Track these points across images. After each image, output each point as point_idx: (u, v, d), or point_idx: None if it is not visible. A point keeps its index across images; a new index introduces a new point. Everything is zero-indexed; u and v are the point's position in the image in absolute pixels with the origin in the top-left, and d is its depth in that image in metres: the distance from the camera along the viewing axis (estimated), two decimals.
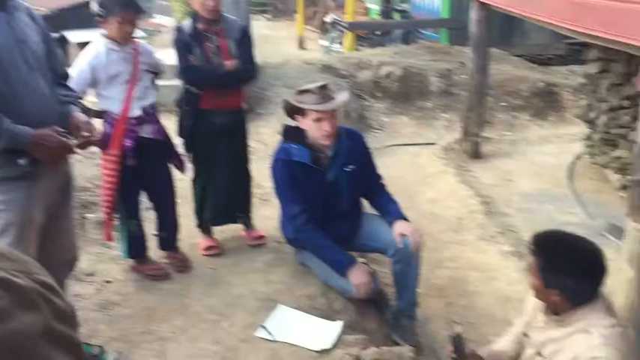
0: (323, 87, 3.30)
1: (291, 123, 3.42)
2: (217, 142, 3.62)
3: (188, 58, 3.49)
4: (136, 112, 3.23)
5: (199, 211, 3.81)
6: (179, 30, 3.59)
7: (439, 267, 4.46)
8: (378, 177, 3.59)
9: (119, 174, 3.23)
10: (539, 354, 2.18)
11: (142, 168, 3.30)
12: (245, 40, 3.64)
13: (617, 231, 4.44)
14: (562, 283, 2.04)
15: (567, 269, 2.04)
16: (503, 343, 2.43)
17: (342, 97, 3.39)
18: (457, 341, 2.11)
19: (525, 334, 2.33)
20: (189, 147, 3.72)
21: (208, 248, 3.76)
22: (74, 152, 2.50)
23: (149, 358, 2.82)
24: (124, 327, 3.02)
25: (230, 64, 3.52)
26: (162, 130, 3.41)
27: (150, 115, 3.30)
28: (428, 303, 4.02)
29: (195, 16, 3.53)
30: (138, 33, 3.63)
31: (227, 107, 3.63)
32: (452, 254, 4.61)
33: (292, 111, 3.34)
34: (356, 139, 3.48)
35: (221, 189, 3.72)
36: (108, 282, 3.40)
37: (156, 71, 3.43)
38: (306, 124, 3.27)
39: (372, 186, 3.54)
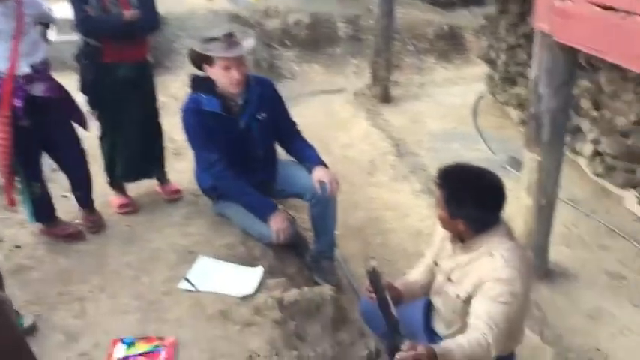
0: (228, 34, 3.25)
1: (200, 73, 3.37)
2: (123, 96, 3.50)
3: (84, 9, 3.32)
4: (24, 69, 3.03)
5: (110, 169, 3.70)
6: None
7: (355, 209, 4.60)
8: (292, 123, 3.61)
9: (12, 136, 3.05)
10: (448, 279, 2.33)
11: (40, 128, 3.15)
12: None
13: (517, 163, 4.73)
14: (466, 213, 2.18)
15: (470, 200, 2.17)
16: (416, 274, 2.57)
17: (248, 43, 3.35)
18: (373, 275, 2.19)
19: (436, 263, 2.48)
20: (93, 103, 3.57)
21: (122, 206, 3.68)
22: None
23: (68, 318, 2.78)
24: (39, 290, 2.94)
25: (129, 13, 3.38)
26: (56, 87, 3.23)
27: (40, 72, 3.11)
28: (346, 244, 4.16)
29: None
30: None
31: (130, 59, 3.49)
32: (367, 196, 4.76)
33: (199, 60, 3.28)
34: (266, 86, 3.47)
35: (131, 144, 3.62)
36: (17, 247, 3.27)
37: (45, 22, 3.24)
38: (214, 72, 3.23)
39: (286, 132, 3.55)
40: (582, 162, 5.12)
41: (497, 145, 5.65)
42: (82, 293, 2.96)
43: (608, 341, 3.30)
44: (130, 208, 3.69)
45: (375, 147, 5.41)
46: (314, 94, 7.13)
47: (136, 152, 3.65)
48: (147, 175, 3.82)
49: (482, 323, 2.07)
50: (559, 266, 3.89)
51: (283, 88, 7.12)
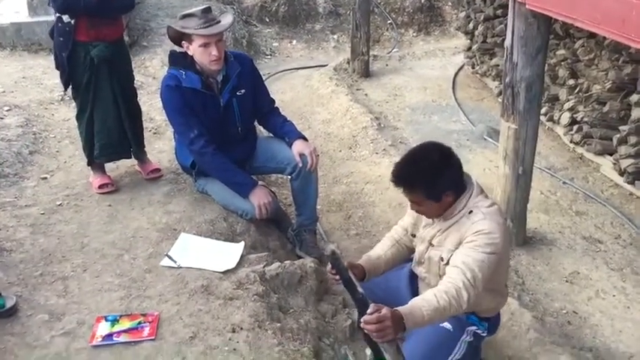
0: (206, 10, 3.23)
1: (179, 49, 3.35)
2: (97, 75, 3.47)
3: None
4: None
5: (87, 148, 3.68)
6: None
7: (337, 183, 4.64)
8: (271, 100, 3.60)
9: None
10: (430, 244, 2.37)
11: None
12: None
13: (497, 134, 4.75)
14: (445, 183, 2.21)
15: (438, 173, 2.21)
16: (379, 250, 2.60)
17: (226, 19, 3.33)
18: (333, 259, 2.23)
19: (413, 235, 2.51)
20: (66, 80, 3.54)
21: (102, 186, 3.67)
22: None
23: (52, 298, 2.78)
24: (20, 271, 2.94)
25: None
26: None
27: None
28: (328, 218, 4.20)
29: None
30: None
31: (104, 39, 3.45)
32: (348, 170, 4.78)
33: (178, 37, 3.26)
34: (245, 63, 3.45)
35: (108, 123, 3.59)
36: None
37: None
38: (193, 50, 3.21)
39: (265, 109, 3.55)
40: (560, 131, 5.18)
41: (476, 116, 5.69)
42: (64, 273, 2.96)
43: (585, 304, 3.38)
44: (110, 187, 3.68)
45: (356, 121, 5.43)
46: (294, 70, 7.11)
47: (113, 131, 3.61)
48: (125, 155, 3.79)
49: (454, 270, 2.11)
50: (538, 233, 3.96)
51: (263, 65, 7.17)
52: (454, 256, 2.20)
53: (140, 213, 3.46)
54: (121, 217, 3.41)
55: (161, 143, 4.34)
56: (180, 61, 3.29)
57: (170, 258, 3.05)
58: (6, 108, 4.80)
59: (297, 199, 3.53)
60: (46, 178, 3.87)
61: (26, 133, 4.42)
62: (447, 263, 2.24)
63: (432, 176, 2.21)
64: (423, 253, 2.41)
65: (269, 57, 7.56)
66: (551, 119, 5.28)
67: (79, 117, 3.65)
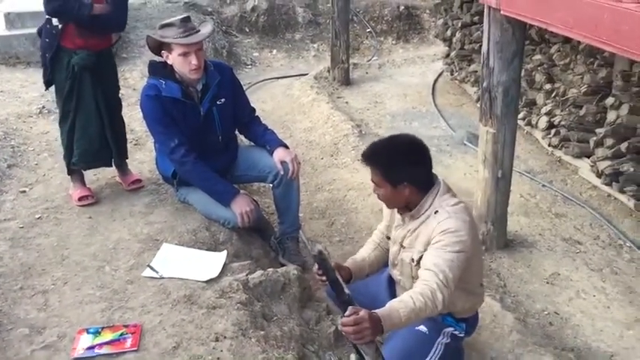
0: (185, 19, 3.24)
1: (158, 59, 3.35)
2: (79, 83, 3.47)
3: None
4: None
5: (68, 156, 3.64)
6: None
7: (319, 191, 4.65)
8: (251, 109, 3.61)
9: None
10: (401, 246, 2.40)
11: None
12: None
13: (477, 139, 4.79)
14: (404, 173, 2.27)
15: (403, 159, 2.28)
16: (363, 252, 2.65)
17: (206, 29, 3.34)
18: (320, 258, 2.23)
19: (388, 237, 2.54)
20: (47, 80, 3.55)
21: (82, 198, 3.64)
22: None
23: (32, 312, 2.75)
24: None
25: (99, 7, 3.35)
26: None
27: None
28: (311, 225, 4.20)
29: None
30: None
31: (89, 48, 3.44)
32: (330, 177, 4.80)
33: (157, 47, 3.26)
34: (225, 72, 3.46)
35: (90, 130, 3.56)
36: None
37: None
38: (172, 59, 3.21)
39: (245, 118, 3.56)
40: (538, 135, 5.25)
41: (456, 122, 5.75)
42: (44, 286, 2.93)
43: (566, 305, 3.42)
44: (90, 199, 3.64)
45: (337, 129, 5.45)
46: (275, 79, 7.13)
47: (94, 139, 3.59)
48: (104, 163, 3.76)
49: (427, 272, 2.14)
50: (518, 235, 4.00)
51: (244, 75, 7.17)
52: (424, 257, 2.22)
53: (121, 224, 3.43)
54: (102, 229, 3.39)
55: (142, 154, 4.32)
56: (159, 70, 3.29)
57: (152, 269, 3.03)
58: None
59: (279, 207, 3.54)
60: (25, 191, 3.83)
61: (4, 147, 4.38)
62: (418, 264, 2.27)
63: (394, 160, 2.27)
64: (396, 254, 2.45)
65: (249, 67, 7.57)
66: (529, 123, 5.35)
67: (61, 123, 3.64)
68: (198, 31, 3.25)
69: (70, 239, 3.31)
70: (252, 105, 3.65)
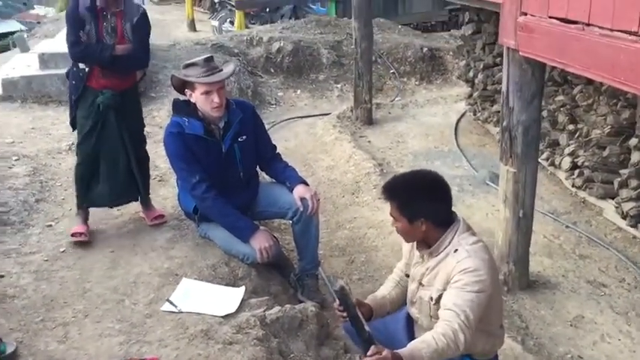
0: (208, 59, 3.34)
1: (182, 97, 3.44)
2: (104, 121, 3.55)
3: (77, 34, 3.40)
4: None
5: (82, 190, 3.70)
6: (75, 2, 3.43)
7: (339, 229, 4.65)
8: (272, 146, 3.67)
9: None
10: (420, 284, 2.38)
11: None
12: (142, 25, 3.55)
13: (499, 179, 4.79)
14: (421, 209, 2.26)
15: (421, 195, 2.28)
16: (384, 290, 2.63)
17: (228, 68, 3.44)
18: (341, 294, 2.23)
19: (407, 275, 2.53)
20: (72, 121, 3.66)
21: (75, 234, 3.63)
22: None
23: (52, 344, 2.79)
24: (21, 318, 2.95)
25: (121, 48, 3.46)
26: None
27: None
28: (330, 263, 4.20)
29: None
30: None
31: (114, 88, 3.54)
32: (350, 216, 4.81)
33: (181, 86, 3.36)
34: (247, 109, 3.53)
35: (117, 168, 3.64)
36: (1, 276, 3.28)
37: None
38: (195, 97, 3.30)
39: (267, 155, 3.61)
40: (562, 175, 5.21)
41: (478, 162, 5.73)
42: (65, 319, 2.97)
43: (590, 349, 3.34)
44: (83, 237, 3.62)
45: (358, 168, 5.48)
46: (298, 119, 7.23)
47: (121, 176, 3.65)
48: (132, 198, 3.83)
49: (448, 313, 2.11)
50: (541, 277, 3.94)
51: (268, 114, 7.29)
52: (444, 297, 2.20)
53: (143, 258, 3.48)
54: (124, 263, 3.44)
55: (165, 190, 4.40)
56: (183, 108, 3.38)
57: (171, 303, 3.05)
58: (14, 158, 4.90)
59: (299, 244, 3.55)
60: (51, 225, 3.92)
61: (33, 182, 4.50)
62: (437, 303, 2.25)
63: (412, 195, 2.28)
64: (414, 292, 2.43)
65: (274, 106, 7.69)
66: (552, 164, 5.32)
67: (78, 160, 3.72)
68: (221, 70, 3.35)
69: (92, 272, 3.36)
70: (273, 143, 3.71)
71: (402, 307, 2.64)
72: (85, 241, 3.63)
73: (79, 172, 3.70)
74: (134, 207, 4.03)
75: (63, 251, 3.58)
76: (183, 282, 3.23)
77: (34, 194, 4.30)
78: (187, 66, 3.33)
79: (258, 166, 3.67)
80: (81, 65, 3.52)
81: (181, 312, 2.98)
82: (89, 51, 3.44)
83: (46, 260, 3.49)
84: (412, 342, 2.09)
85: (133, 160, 3.70)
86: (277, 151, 3.70)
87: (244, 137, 3.44)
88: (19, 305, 3.06)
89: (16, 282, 3.26)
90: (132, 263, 3.44)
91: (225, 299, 3.09)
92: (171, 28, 12.66)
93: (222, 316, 2.94)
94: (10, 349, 2.69)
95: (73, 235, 3.65)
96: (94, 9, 3.41)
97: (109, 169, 3.65)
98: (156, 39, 9.34)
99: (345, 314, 2.25)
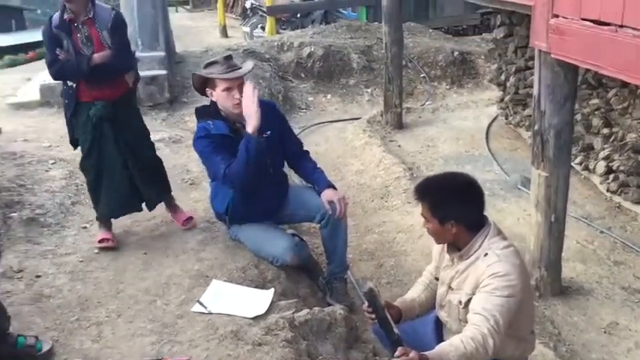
0: (228, 57, 3.40)
1: (203, 102, 3.48)
2: (101, 133, 3.54)
3: (54, 53, 3.38)
4: None
5: (94, 204, 3.74)
6: (49, 22, 3.46)
7: (368, 233, 4.65)
8: (299, 142, 3.70)
9: None
10: (450, 288, 2.37)
11: None
12: (118, 28, 3.49)
13: (530, 183, 4.74)
14: (453, 212, 2.25)
15: (452, 198, 2.27)
16: (413, 293, 2.62)
17: (247, 66, 3.48)
18: (370, 296, 2.24)
19: (437, 278, 2.52)
20: (72, 140, 3.67)
21: (102, 240, 3.66)
22: None
23: (86, 342, 2.86)
24: (57, 317, 3.03)
25: (98, 56, 3.41)
26: None
27: None
28: (359, 267, 4.21)
29: (64, 6, 3.39)
30: None
31: (106, 98, 3.50)
32: (380, 220, 4.80)
33: (202, 85, 3.40)
34: (269, 107, 3.53)
35: (115, 179, 3.63)
36: (38, 276, 3.37)
37: None
38: (217, 95, 3.33)
39: (293, 151, 3.62)
40: (596, 180, 5.11)
41: (510, 166, 5.67)
42: (99, 318, 3.04)
43: (624, 356, 3.27)
44: (110, 243, 3.66)
45: (388, 172, 5.47)
46: (328, 123, 7.25)
47: (121, 187, 3.65)
48: (133, 209, 3.81)
49: (477, 317, 2.10)
50: (574, 282, 3.87)
51: (298, 119, 7.34)
52: (473, 301, 2.19)
53: (174, 260, 3.54)
54: (156, 265, 3.50)
55: (197, 193, 4.46)
56: (205, 113, 3.42)
57: (201, 304, 3.10)
58: (51, 161, 5.02)
59: (327, 247, 3.57)
60: (86, 227, 4.01)
61: (69, 185, 4.60)
62: (466, 307, 2.24)
63: (444, 197, 2.27)
64: (443, 295, 2.42)
65: (304, 111, 7.74)
66: (586, 168, 5.23)
67: (85, 176, 3.73)
68: (240, 67, 3.39)
69: (125, 274, 3.43)
70: (305, 148, 3.72)
71: (431, 311, 2.63)
72: (113, 247, 3.65)
73: (90, 187, 3.72)
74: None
75: (97, 252, 3.66)
76: (214, 284, 3.27)
77: (70, 197, 4.40)
78: (208, 65, 3.38)
79: (286, 164, 3.68)
80: (69, 82, 3.50)
81: (211, 313, 3.02)
82: (66, 67, 3.42)
83: (81, 261, 3.57)
84: (440, 344, 2.08)
85: (134, 171, 3.66)
86: (305, 149, 3.71)
87: (268, 133, 3.45)
88: (54, 305, 3.14)
89: (52, 282, 3.34)
90: (164, 265, 3.50)
91: (254, 301, 3.12)
92: (204, 35, 12.86)
93: (251, 318, 2.97)
94: (46, 348, 2.76)
95: (100, 241, 3.66)
96: (65, 23, 3.39)
97: (110, 181, 3.63)
98: (188, 45, 9.55)
99: (373, 316, 2.25)
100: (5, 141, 5.25)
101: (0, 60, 17.35)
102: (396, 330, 2.17)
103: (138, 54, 6.82)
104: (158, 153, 5.18)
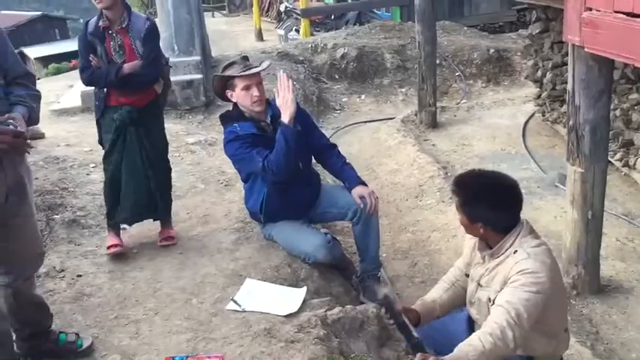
0: (244, 57, 3.50)
1: (225, 108, 3.53)
2: (124, 137, 3.58)
3: (88, 59, 3.46)
4: None
5: (111, 210, 3.74)
6: (84, 28, 3.51)
7: (402, 232, 4.65)
8: (324, 137, 3.74)
9: None
10: (479, 285, 2.36)
11: None
12: (150, 38, 3.52)
13: None
14: (482, 214, 2.24)
15: (483, 202, 2.24)
16: (436, 291, 2.61)
17: (264, 63, 3.53)
18: (386, 303, 2.26)
19: (467, 274, 2.51)
20: (99, 141, 3.76)
21: (111, 247, 3.66)
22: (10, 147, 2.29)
23: (124, 339, 2.94)
24: (97, 315, 3.12)
25: (128, 66, 3.45)
26: None
27: None
28: (393, 266, 4.21)
29: (100, 13, 3.45)
30: None
31: (133, 104, 3.54)
32: (414, 219, 4.79)
33: (221, 88, 3.45)
34: None
35: (131, 185, 3.65)
36: (79, 276, 3.48)
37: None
38: (236, 95, 3.38)
39: (320, 145, 3.65)
40: (636, 176, 4.99)
41: (547, 164, 5.58)
42: (137, 316, 3.12)
43: None
44: (119, 249, 3.66)
45: (422, 171, 5.45)
46: (362, 123, 7.26)
47: (140, 193, 3.66)
48: (150, 215, 3.83)
49: (497, 309, 2.09)
50: (613, 281, 3.79)
51: (332, 120, 7.38)
52: (499, 296, 2.18)
53: (209, 260, 3.60)
54: (191, 264, 3.57)
55: (231, 194, 4.53)
56: (230, 117, 3.47)
57: (235, 302, 3.15)
58: (92, 165, 5.17)
59: (360, 245, 3.59)
60: (125, 228, 4.10)
61: None
62: (495, 304, 2.22)
63: (476, 196, 2.25)
64: (473, 293, 2.41)
65: (338, 112, 7.76)
66: (626, 164, 5.11)
67: (105, 179, 3.77)
68: (257, 66, 3.44)
69: (162, 273, 3.51)
70: (322, 132, 3.75)
71: (462, 309, 2.62)
72: (122, 252, 3.65)
73: (105, 190, 3.75)
74: (202, 210, 4.19)
75: (136, 252, 3.75)
76: (247, 282, 3.32)
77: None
78: (226, 67, 3.44)
79: (314, 158, 3.70)
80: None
81: (245, 311, 3.07)
82: (96, 75, 3.48)
83: (120, 261, 3.67)
84: (459, 345, 2.07)
85: (152, 179, 3.69)
86: (330, 141, 3.74)
87: (298, 127, 3.47)
88: (95, 303, 3.24)
89: (92, 281, 3.45)
90: (199, 264, 3.56)
91: (287, 299, 3.15)
92: (240, 39, 13.04)
93: (284, 316, 3.01)
94: (86, 344, 2.85)
95: (109, 247, 3.65)
96: (99, 30, 3.45)
97: (129, 185, 3.65)
98: (225, 49, 9.69)
99: (392, 322, 2.27)
100: (48, 146, 5.43)
101: (45, 68, 17.97)
102: (415, 334, 2.19)
103: (174, 59, 7.01)
104: (194, 155, 5.31)
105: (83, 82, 3.63)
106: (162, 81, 3.69)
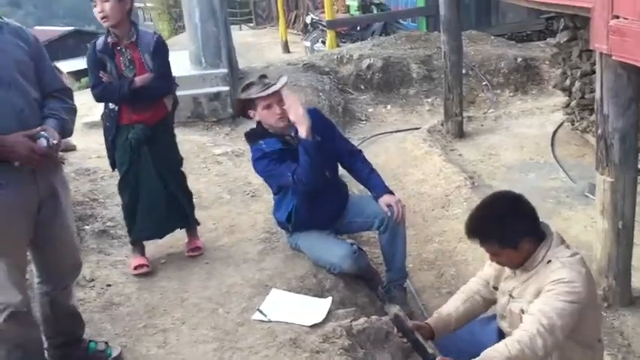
0: (262, 76, 3.52)
1: (249, 128, 3.56)
2: (139, 156, 3.59)
3: (98, 75, 3.48)
4: None
5: (131, 227, 3.75)
6: (92, 46, 3.52)
7: (429, 242, 4.62)
8: (350, 144, 3.76)
9: None
10: (510, 296, 2.34)
11: None
12: (159, 52, 3.54)
13: None
14: (520, 229, 2.21)
15: (508, 219, 2.21)
16: (453, 304, 2.57)
17: (281, 81, 3.53)
18: (396, 321, 2.26)
19: (495, 287, 2.48)
20: (111, 162, 3.73)
21: (138, 267, 3.67)
22: (41, 158, 2.36)
23: (152, 348, 2.98)
24: (126, 324, 3.18)
25: (139, 79, 3.46)
26: None
27: None
28: (419, 276, 4.18)
29: (108, 30, 3.47)
30: None
31: (145, 122, 3.56)
32: (440, 229, 4.76)
33: (243, 108, 3.50)
34: (311, 113, 3.55)
35: (151, 202, 3.66)
36: (109, 285, 3.55)
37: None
38: (259, 114, 3.42)
39: (344, 150, 3.66)
40: None
41: (577, 173, 5.49)
42: (165, 325, 3.16)
43: None
44: (146, 269, 3.68)
45: (449, 181, 5.42)
46: (388, 134, 7.25)
47: (155, 211, 3.67)
48: (174, 228, 3.86)
49: (529, 318, 2.07)
50: None
51: (358, 130, 7.38)
52: (531, 305, 2.15)
53: (235, 270, 3.64)
54: (218, 274, 3.61)
55: (257, 205, 4.56)
56: (255, 135, 3.50)
57: (261, 312, 3.17)
58: None
59: (386, 254, 3.59)
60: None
61: None
62: (526, 313, 2.19)
63: (503, 224, 2.21)
64: (504, 306, 2.38)
65: (364, 122, 7.77)
66: None
67: (122, 198, 3.76)
68: (275, 84, 3.46)
69: (189, 283, 3.55)
70: (348, 140, 3.77)
71: (492, 320, 2.58)
72: (149, 272, 3.66)
73: (125, 211, 3.75)
74: (228, 220, 4.23)
75: (163, 262, 3.81)
76: (273, 292, 3.34)
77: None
78: (244, 88, 3.47)
79: (341, 165, 3.70)
80: (111, 105, 3.58)
81: (271, 321, 3.09)
82: (109, 90, 3.48)
83: (149, 271, 3.72)
84: (484, 351, 2.05)
85: (172, 191, 3.70)
86: (356, 148, 3.76)
87: (317, 137, 3.48)
88: (124, 312, 3.30)
89: (121, 291, 3.51)
90: (225, 274, 3.60)
91: (312, 309, 3.16)
92: (266, 51, 13.15)
93: (309, 326, 3.02)
94: (115, 353, 2.90)
95: (135, 268, 3.66)
96: (108, 47, 3.47)
97: (149, 203, 3.66)
98: (252, 61, 9.78)
99: (405, 340, 2.26)
100: (80, 158, 5.54)
101: (77, 82, 18.36)
102: (430, 350, 2.18)
103: (201, 71, 7.14)
104: (221, 166, 5.36)
105: (95, 99, 3.61)
106: (172, 95, 3.71)
